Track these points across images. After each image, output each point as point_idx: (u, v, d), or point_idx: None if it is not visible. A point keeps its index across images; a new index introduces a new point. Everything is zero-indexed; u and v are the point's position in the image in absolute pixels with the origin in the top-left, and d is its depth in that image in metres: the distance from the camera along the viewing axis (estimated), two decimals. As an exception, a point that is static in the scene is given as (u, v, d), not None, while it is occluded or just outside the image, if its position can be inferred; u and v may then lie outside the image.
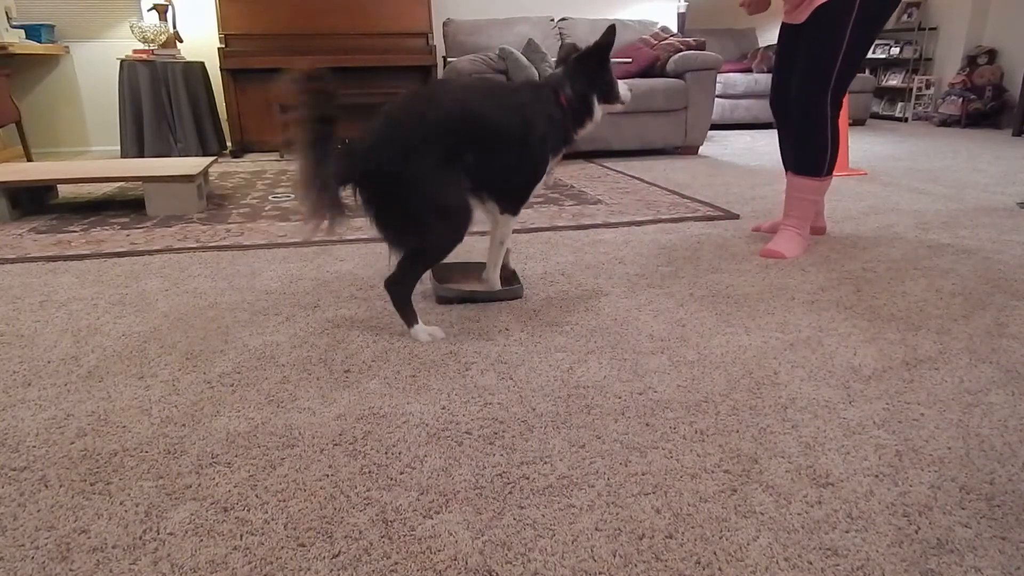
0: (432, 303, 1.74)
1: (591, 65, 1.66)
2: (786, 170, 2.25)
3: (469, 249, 2.25)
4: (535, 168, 1.63)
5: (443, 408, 1.21)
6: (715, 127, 5.80)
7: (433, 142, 1.41)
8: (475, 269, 1.93)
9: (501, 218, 1.69)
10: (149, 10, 4.66)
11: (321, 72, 1.31)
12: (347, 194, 1.42)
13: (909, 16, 6.40)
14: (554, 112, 1.63)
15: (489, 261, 1.78)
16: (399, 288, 1.52)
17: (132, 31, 4.43)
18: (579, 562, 0.84)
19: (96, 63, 4.91)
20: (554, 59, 4.67)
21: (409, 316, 1.53)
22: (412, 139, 1.40)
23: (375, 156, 1.39)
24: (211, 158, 3.29)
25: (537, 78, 4.03)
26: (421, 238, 1.47)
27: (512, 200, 1.67)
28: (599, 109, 1.70)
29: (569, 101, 1.65)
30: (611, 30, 1.65)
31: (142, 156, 4.37)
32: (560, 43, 4.96)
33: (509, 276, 1.87)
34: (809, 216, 2.18)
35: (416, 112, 1.44)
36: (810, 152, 2.09)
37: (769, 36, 6.56)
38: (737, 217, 2.65)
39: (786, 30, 2.18)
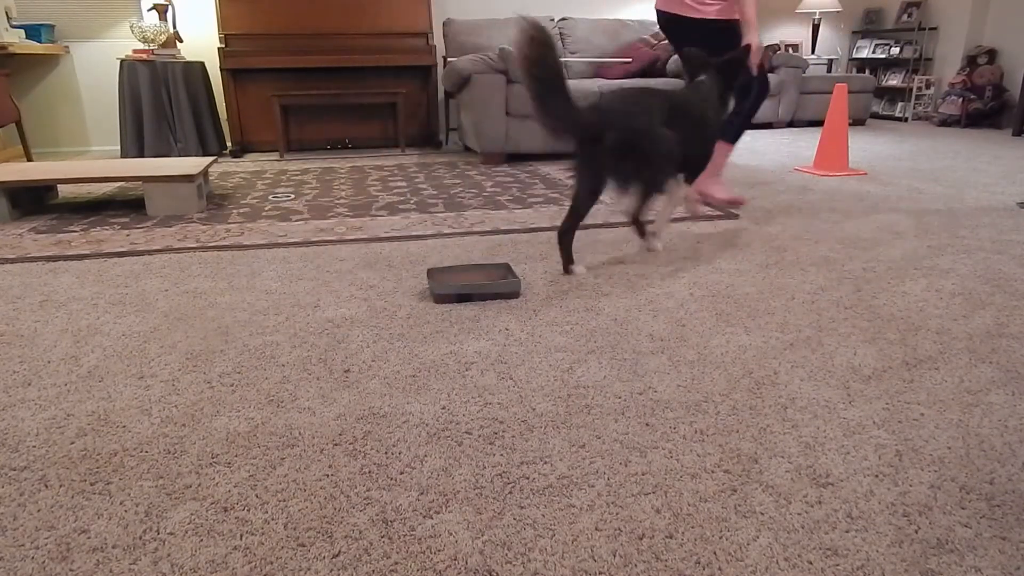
0: (431, 303, 1.74)
1: (729, 71, 2.20)
2: None
3: (469, 250, 2.25)
4: (709, 145, 2.19)
5: (443, 408, 1.21)
6: (715, 127, 5.79)
7: (659, 114, 1.90)
8: (473, 271, 1.94)
9: (684, 185, 2.19)
10: (149, 10, 4.66)
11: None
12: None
13: (909, 16, 6.40)
14: (718, 106, 2.18)
15: (660, 216, 2.25)
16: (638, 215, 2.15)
17: (132, 31, 4.43)
18: (579, 562, 0.84)
19: (96, 63, 4.91)
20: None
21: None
22: (649, 110, 1.90)
23: (627, 119, 1.87)
24: (211, 158, 3.29)
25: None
26: (653, 180, 1.97)
27: (695, 169, 2.19)
28: (731, 100, 2.29)
29: (722, 97, 2.19)
30: (746, 51, 2.25)
31: (142, 156, 4.37)
32: (561, 41, 4.96)
33: (504, 271, 1.92)
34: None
35: (643, 96, 1.96)
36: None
37: (768, 36, 6.56)
38: (737, 217, 2.65)
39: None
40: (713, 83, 2.15)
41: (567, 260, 2.00)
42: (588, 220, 2.66)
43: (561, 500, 0.95)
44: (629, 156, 1.85)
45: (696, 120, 2.04)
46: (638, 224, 2.21)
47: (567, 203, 2.96)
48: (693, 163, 2.14)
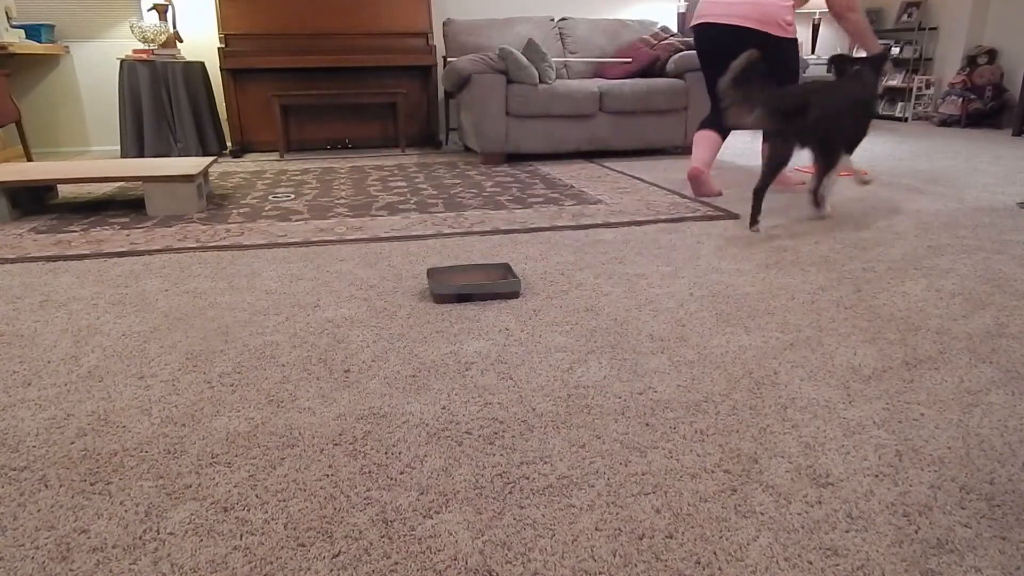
0: (431, 303, 1.74)
1: (877, 66, 2.66)
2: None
3: (469, 250, 2.25)
4: (867, 125, 2.61)
5: (443, 408, 1.21)
6: (715, 127, 5.79)
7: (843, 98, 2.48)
8: (473, 270, 1.94)
9: (845, 159, 2.56)
10: (149, 10, 4.66)
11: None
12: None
13: (909, 16, 6.40)
14: (873, 91, 2.69)
15: (826, 183, 2.62)
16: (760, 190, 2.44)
17: (132, 31, 4.44)
18: (579, 562, 0.84)
19: (96, 63, 4.91)
20: (554, 59, 4.67)
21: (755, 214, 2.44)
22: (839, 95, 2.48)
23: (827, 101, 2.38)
24: (211, 158, 3.29)
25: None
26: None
27: (856, 143, 2.60)
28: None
29: (875, 86, 2.69)
30: (888, 50, 2.76)
31: (142, 156, 4.37)
32: (561, 41, 4.96)
33: (504, 271, 1.92)
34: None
35: (831, 84, 2.60)
36: None
37: (769, 36, 6.55)
38: (737, 217, 2.65)
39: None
40: (870, 74, 2.59)
41: (755, 215, 2.43)
42: (588, 220, 2.67)
43: (561, 500, 0.95)
44: (824, 129, 2.40)
45: (862, 103, 2.56)
46: (816, 194, 2.59)
47: (567, 203, 2.98)
48: (856, 139, 2.59)
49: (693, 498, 0.95)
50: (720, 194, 3.10)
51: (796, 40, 2.97)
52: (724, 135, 3.10)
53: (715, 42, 3.02)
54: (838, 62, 2.75)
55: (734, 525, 0.90)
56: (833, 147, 2.45)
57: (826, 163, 2.49)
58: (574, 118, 4.18)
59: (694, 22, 3.09)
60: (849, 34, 2.97)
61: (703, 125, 3.14)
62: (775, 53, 2.91)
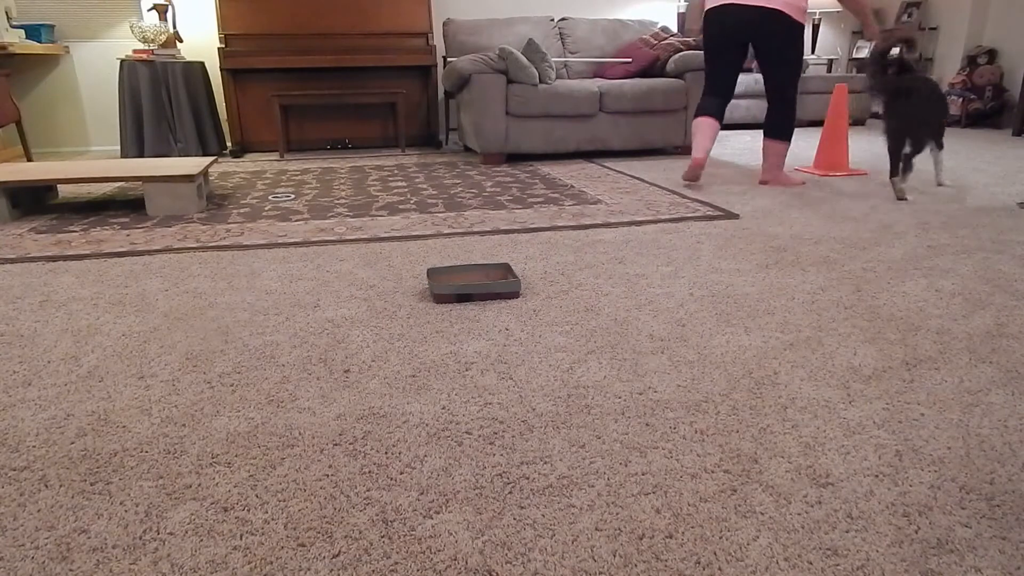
0: (431, 303, 1.74)
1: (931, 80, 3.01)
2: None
3: (469, 250, 2.25)
4: (945, 119, 3.01)
5: (443, 408, 1.21)
6: (715, 127, 5.79)
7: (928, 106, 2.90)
8: (473, 270, 1.94)
9: (938, 154, 3.10)
10: (149, 10, 4.66)
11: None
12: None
13: (909, 16, 6.40)
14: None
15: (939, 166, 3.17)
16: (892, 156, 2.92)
17: (132, 31, 4.44)
18: (579, 562, 0.84)
19: (96, 63, 4.91)
20: (554, 59, 4.68)
21: (894, 168, 2.92)
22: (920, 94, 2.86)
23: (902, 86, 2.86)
24: (211, 158, 3.29)
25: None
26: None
27: (942, 134, 3.01)
28: None
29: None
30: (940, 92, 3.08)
31: (142, 156, 4.37)
32: (561, 41, 4.97)
33: (504, 271, 1.92)
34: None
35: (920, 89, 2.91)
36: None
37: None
38: (737, 217, 2.65)
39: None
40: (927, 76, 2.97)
41: (895, 168, 2.90)
42: (588, 220, 2.67)
43: (561, 500, 0.95)
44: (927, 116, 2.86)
45: (943, 99, 2.97)
46: (906, 169, 2.94)
47: (567, 203, 2.98)
48: (941, 130, 2.98)
49: (693, 498, 0.95)
50: (698, 178, 3.26)
51: (804, 26, 3.05)
52: (721, 121, 3.23)
53: (736, 26, 3.03)
54: (901, 67, 3.04)
55: (734, 525, 0.90)
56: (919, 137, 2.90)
57: (915, 150, 2.88)
58: (574, 118, 4.18)
59: (713, 4, 3.06)
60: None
61: (703, 112, 3.19)
62: (793, 38, 2.99)
